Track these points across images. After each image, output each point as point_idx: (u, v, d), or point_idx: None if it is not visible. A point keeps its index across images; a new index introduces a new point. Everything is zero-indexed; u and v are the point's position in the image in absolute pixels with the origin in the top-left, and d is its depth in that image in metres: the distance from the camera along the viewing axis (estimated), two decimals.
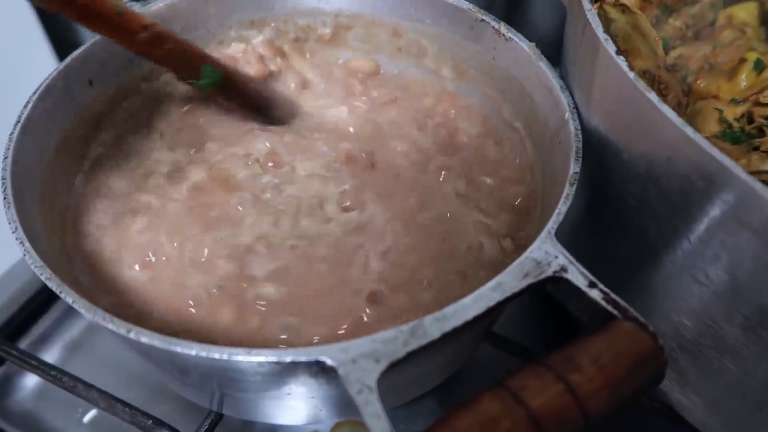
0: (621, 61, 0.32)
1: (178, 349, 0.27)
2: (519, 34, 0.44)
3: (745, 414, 0.35)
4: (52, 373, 0.41)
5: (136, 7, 0.46)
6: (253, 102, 0.47)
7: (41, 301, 0.49)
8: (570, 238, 0.44)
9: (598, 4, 0.45)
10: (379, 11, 0.50)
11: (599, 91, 0.37)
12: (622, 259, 0.38)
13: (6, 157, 0.35)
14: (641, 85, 0.31)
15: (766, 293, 0.29)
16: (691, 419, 0.38)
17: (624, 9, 0.43)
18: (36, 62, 1.30)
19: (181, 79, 0.45)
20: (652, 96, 0.30)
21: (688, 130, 0.29)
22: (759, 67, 0.43)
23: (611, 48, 0.33)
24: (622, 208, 0.36)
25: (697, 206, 0.30)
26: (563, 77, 0.43)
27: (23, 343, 0.48)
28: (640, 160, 0.33)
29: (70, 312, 0.50)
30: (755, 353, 0.31)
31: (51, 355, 0.47)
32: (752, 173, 0.38)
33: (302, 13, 0.52)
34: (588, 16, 0.36)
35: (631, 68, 0.36)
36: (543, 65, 0.42)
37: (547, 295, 0.32)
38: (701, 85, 0.45)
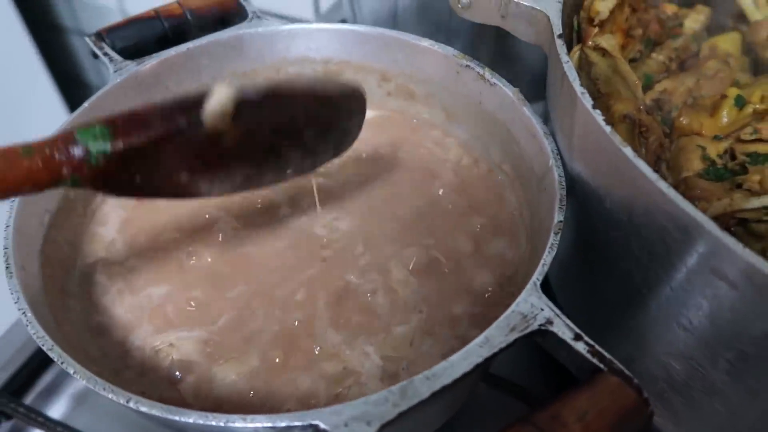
0: (597, 115, 0.33)
1: (177, 418, 0.28)
2: (503, 80, 0.45)
3: None
4: (58, 429, 0.42)
5: (131, 66, 0.48)
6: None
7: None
8: (560, 280, 0.45)
9: (579, 46, 0.46)
10: (366, 58, 0.52)
11: (580, 139, 0.37)
12: (611, 302, 0.39)
13: (8, 226, 0.36)
14: (617, 139, 0.32)
15: (746, 340, 0.29)
16: None
17: (604, 53, 0.44)
18: (40, 101, 1.33)
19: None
20: (628, 151, 0.31)
21: (663, 185, 0.30)
22: (740, 103, 0.44)
23: (588, 102, 0.34)
24: (607, 254, 0.37)
25: (676, 256, 0.31)
26: (547, 119, 0.44)
27: (28, 398, 0.48)
28: (622, 208, 0.34)
29: None
30: (741, 397, 0.32)
31: (56, 409, 0.48)
32: (735, 212, 0.39)
33: (292, 62, 0.53)
34: (565, 69, 0.37)
35: (612, 115, 0.37)
36: (527, 111, 0.43)
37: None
38: (684, 122, 0.45)
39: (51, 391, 0.49)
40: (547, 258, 0.34)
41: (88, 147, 0.29)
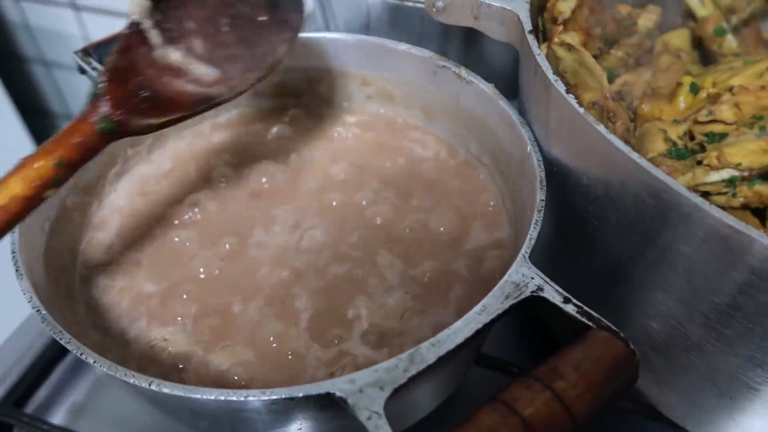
0: (571, 98, 0.37)
1: (198, 396, 0.30)
2: (478, 77, 0.48)
3: (718, 404, 0.38)
4: None
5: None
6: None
7: (43, 365, 0.50)
8: (545, 257, 0.47)
9: (546, 44, 0.49)
10: (347, 64, 0.54)
11: (555, 125, 0.41)
12: (594, 273, 0.42)
13: (14, 231, 0.37)
14: (591, 119, 0.35)
15: (718, 293, 0.32)
16: (671, 415, 0.42)
17: (570, 48, 0.48)
18: (2, 130, 1.32)
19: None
20: (601, 128, 0.34)
21: (635, 156, 0.33)
22: (694, 89, 0.48)
23: (561, 88, 0.37)
24: (587, 228, 0.40)
25: (651, 222, 0.34)
26: (522, 112, 0.47)
27: (29, 408, 0.49)
28: (598, 184, 0.37)
29: (73, 373, 0.51)
30: (717, 348, 0.35)
31: (58, 418, 0.48)
32: (697, 185, 0.43)
33: (275, 72, 0.55)
34: (538, 60, 0.40)
35: (581, 103, 0.40)
36: (503, 104, 0.46)
37: (527, 314, 0.35)
38: (645, 109, 0.49)
39: (50, 402, 0.49)
40: (533, 233, 0.37)
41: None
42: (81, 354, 0.31)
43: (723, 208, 0.43)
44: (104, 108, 0.35)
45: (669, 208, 0.32)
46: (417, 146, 0.53)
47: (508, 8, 0.45)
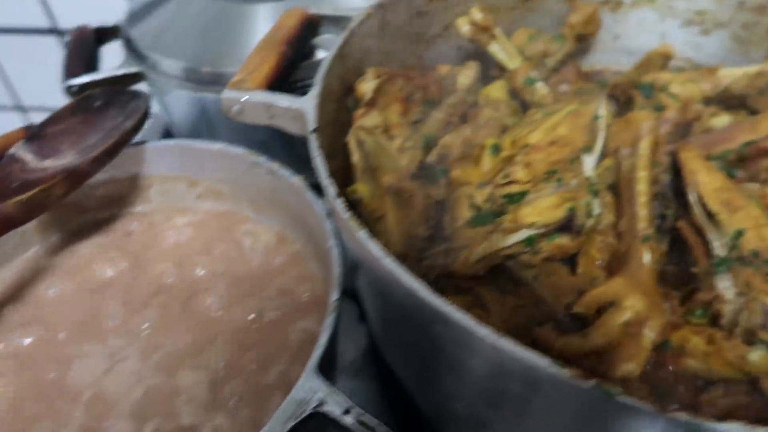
0: (338, 204, 0.37)
1: None
2: (288, 171, 0.49)
3: None
4: None
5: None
6: None
7: None
8: (384, 342, 0.48)
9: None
10: (171, 169, 0.54)
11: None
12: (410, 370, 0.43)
13: None
14: (352, 225, 0.36)
15: (478, 387, 0.34)
16: None
17: (368, 131, 0.49)
18: None
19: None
20: (373, 246, 0.34)
21: (386, 262, 0.33)
22: (496, 151, 0.50)
23: (333, 192, 0.38)
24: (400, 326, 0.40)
25: (437, 340, 0.34)
26: None
27: None
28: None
29: None
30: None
31: None
32: (496, 251, 0.44)
33: (102, 186, 0.55)
34: (317, 162, 0.40)
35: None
36: (309, 197, 0.47)
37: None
38: (456, 175, 0.50)
39: None
40: (321, 339, 0.37)
41: None
42: None
43: (530, 265, 0.45)
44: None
45: (443, 330, 0.33)
46: (248, 239, 0.53)
47: (294, 107, 0.46)
